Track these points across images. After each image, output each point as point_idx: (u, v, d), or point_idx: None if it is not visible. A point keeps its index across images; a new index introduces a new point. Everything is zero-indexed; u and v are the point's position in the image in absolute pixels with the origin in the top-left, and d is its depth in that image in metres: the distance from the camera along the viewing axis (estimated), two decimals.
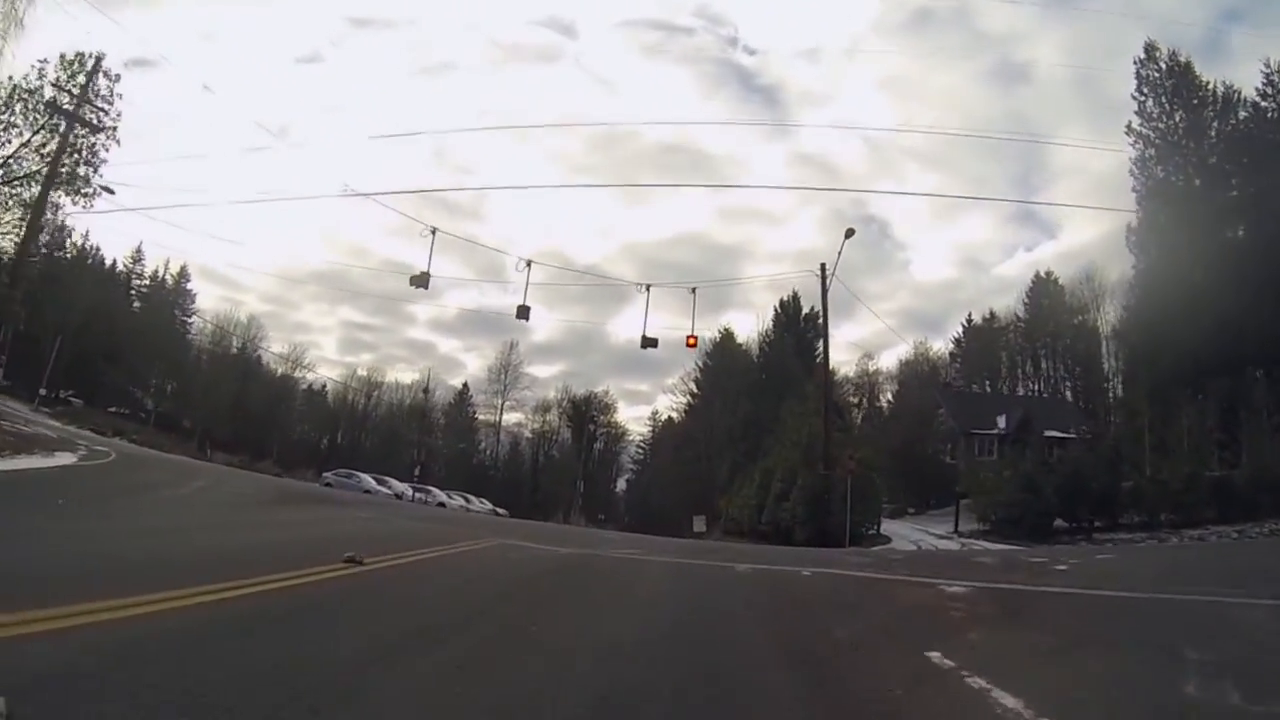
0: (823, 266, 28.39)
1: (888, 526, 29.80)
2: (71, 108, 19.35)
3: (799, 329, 57.27)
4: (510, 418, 68.51)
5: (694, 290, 22.56)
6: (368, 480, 37.53)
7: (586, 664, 3.94)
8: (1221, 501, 20.95)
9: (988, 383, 59.77)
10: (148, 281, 63.71)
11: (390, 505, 21.81)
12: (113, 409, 50.76)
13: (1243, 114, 31.92)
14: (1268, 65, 30.88)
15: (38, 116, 19.05)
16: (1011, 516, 22.46)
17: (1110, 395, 52.47)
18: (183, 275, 63.42)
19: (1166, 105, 33.77)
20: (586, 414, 67.18)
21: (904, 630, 5.68)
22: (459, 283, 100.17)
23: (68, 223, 31.80)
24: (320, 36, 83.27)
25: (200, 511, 12.07)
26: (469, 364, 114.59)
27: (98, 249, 58.66)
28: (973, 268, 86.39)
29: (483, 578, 7.36)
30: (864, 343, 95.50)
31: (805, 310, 57.30)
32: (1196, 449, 22.41)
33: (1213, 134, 32.57)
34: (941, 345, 63.19)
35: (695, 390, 61.58)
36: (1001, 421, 42.80)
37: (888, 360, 63.73)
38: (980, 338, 61.95)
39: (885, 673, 4.12)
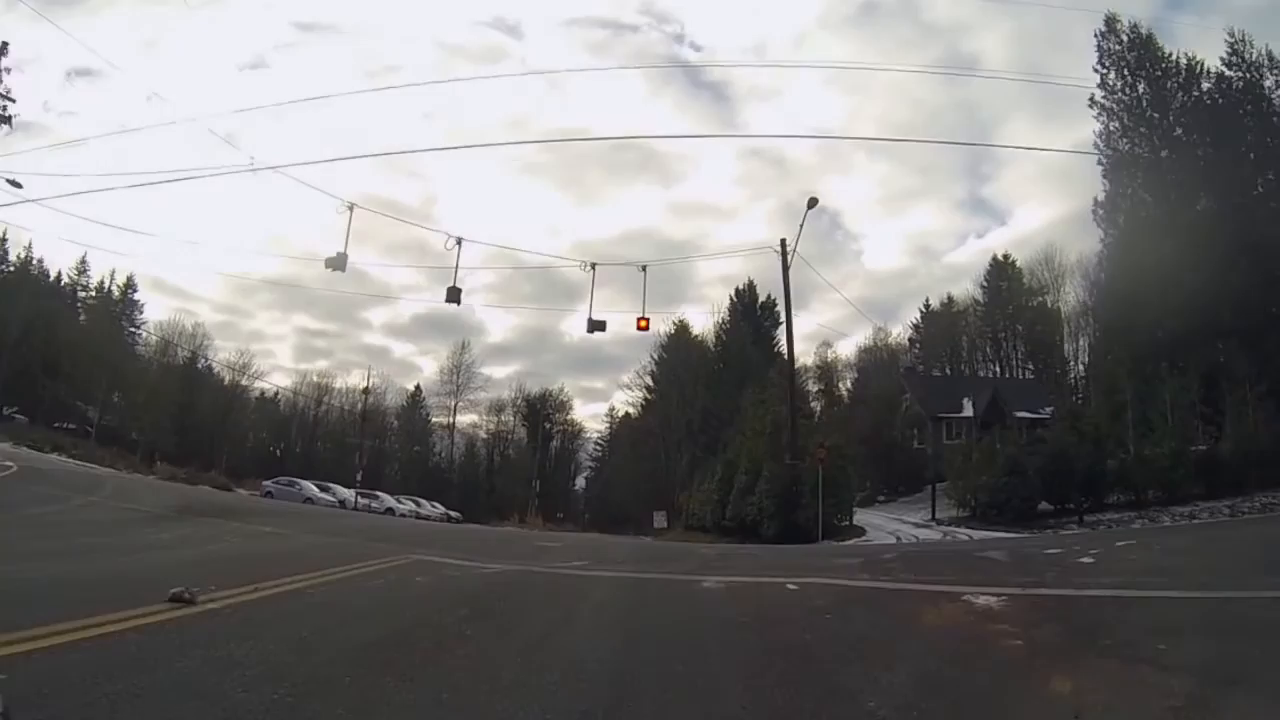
0: (783, 243, 26.82)
1: (860, 516, 28.37)
2: None
3: (756, 317, 55.98)
4: (465, 419, 66.99)
5: (644, 268, 20.74)
6: (310, 488, 35.55)
7: None
8: (1208, 477, 20.07)
9: (947, 368, 59.37)
10: (93, 293, 61.77)
11: (320, 516, 19.50)
12: (58, 424, 49.15)
13: (1206, 85, 31.43)
14: (1232, 35, 30.44)
15: None
16: (996, 501, 21.20)
17: (1072, 375, 52.51)
18: (129, 286, 61.12)
19: (1129, 77, 33.14)
20: (542, 412, 65.37)
21: (969, 690, 3.90)
22: (412, 287, 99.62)
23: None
24: (265, 42, 79.73)
25: (58, 532, 9.92)
26: (424, 367, 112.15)
27: (40, 261, 57.41)
28: (924, 256, 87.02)
29: (350, 621, 5.34)
30: (818, 334, 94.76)
31: (762, 299, 56.21)
32: (1180, 424, 21.46)
33: (1176, 106, 32.02)
34: (900, 331, 62.62)
35: (651, 384, 60.02)
36: (968, 404, 41.99)
37: (845, 349, 62.87)
38: (938, 323, 61.70)
39: None
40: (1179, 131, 31.02)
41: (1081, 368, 52.48)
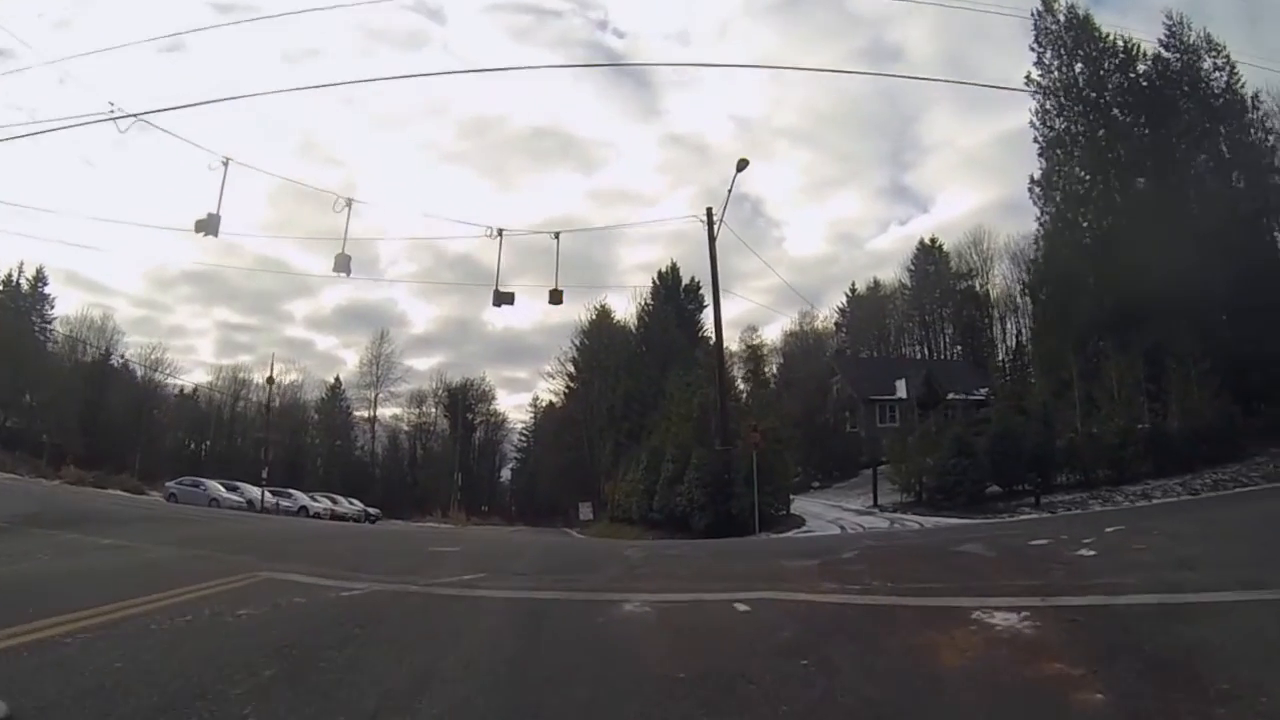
0: (709, 211, 24.73)
1: (796, 504, 26.66)
2: None
3: (680, 300, 54.41)
4: (387, 411, 64.01)
5: (556, 235, 18.67)
6: (216, 488, 32.83)
7: None
8: (1156, 455, 19.45)
9: (875, 351, 59.34)
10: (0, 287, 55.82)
11: (195, 521, 16.67)
12: None
13: (1142, 68, 31.26)
14: (1170, 17, 30.27)
15: None
16: (944, 485, 20.04)
17: (1000, 357, 53.05)
18: (39, 279, 55.30)
19: (1065, 57, 32.79)
20: (463, 403, 62.61)
21: None
22: (333, 279, 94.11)
23: None
24: (181, 23, 73.41)
25: None
26: (348, 360, 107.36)
27: None
28: (847, 243, 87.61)
29: (85, 697, 3.39)
30: (744, 318, 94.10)
31: (685, 281, 54.75)
32: (1127, 402, 20.78)
33: (1111, 86, 31.81)
34: (826, 314, 62.41)
35: (574, 371, 58.05)
36: (901, 386, 41.47)
37: (771, 334, 62.28)
38: (865, 307, 61.66)
39: None
40: (1115, 111, 30.73)
41: (1006, 350, 53.20)
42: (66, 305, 65.30)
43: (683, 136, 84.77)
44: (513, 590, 6.81)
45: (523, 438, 69.34)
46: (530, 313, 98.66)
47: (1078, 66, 32.58)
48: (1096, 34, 32.48)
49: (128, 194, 68.24)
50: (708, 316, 48.45)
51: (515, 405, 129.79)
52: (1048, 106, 32.67)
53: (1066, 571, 6.62)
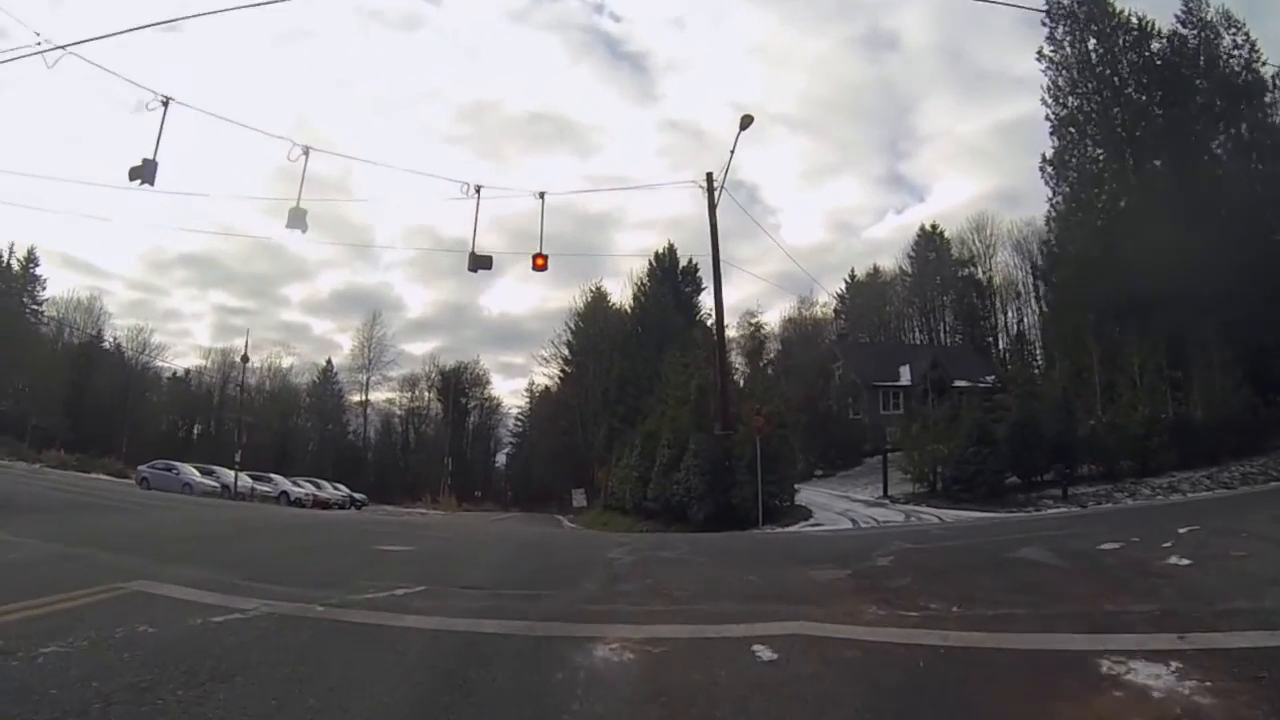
0: (709, 176, 23.05)
1: (800, 494, 25.77)
2: None
3: (677, 282, 53.33)
4: (381, 396, 63.21)
5: (542, 195, 17.53)
6: (190, 472, 31.56)
7: None
8: (1180, 446, 18.70)
9: (874, 338, 58.64)
10: None
11: (124, 510, 15.11)
12: None
13: (1157, 45, 30.35)
14: None
15: None
16: (963, 475, 19.22)
17: (1002, 343, 52.53)
18: (31, 260, 54.11)
19: (1079, 32, 31.85)
20: (457, 386, 61.50)
21: None
22: (329, 263, 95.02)
23: None
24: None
25: None
26: (344, 344, 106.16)
27: None
28: (843, 231, 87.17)
29: None
30: (743, 303, 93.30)
31: (683, 263, 53.71)
32: (1151, 390, 20.02)
33: (1125, 63, 30.91)
34: (825, 300, 61.65)
35: (569, 355, 57.17)
36: (906, 372, 40.78)
37: (769, 320, 61.22)
38: (864, 293, 61.06)
39: None
40: (1130, 90, 29.84)
41: (1009, 337, 52.66)
42: (60, 288, 63.80)
43: (679, 122, 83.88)
44: (449, 616, 5.22)
45: (518, 423, 68.63)
46: (526, 298, 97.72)
47: (1090, 42, 31.69)
48: (1110, 9, 31.57)
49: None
50: (705, 300, 47.63)
51: (511, 390, 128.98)
52: (1059, 83, 31.83)
53: (1174, 590, 5.72)
